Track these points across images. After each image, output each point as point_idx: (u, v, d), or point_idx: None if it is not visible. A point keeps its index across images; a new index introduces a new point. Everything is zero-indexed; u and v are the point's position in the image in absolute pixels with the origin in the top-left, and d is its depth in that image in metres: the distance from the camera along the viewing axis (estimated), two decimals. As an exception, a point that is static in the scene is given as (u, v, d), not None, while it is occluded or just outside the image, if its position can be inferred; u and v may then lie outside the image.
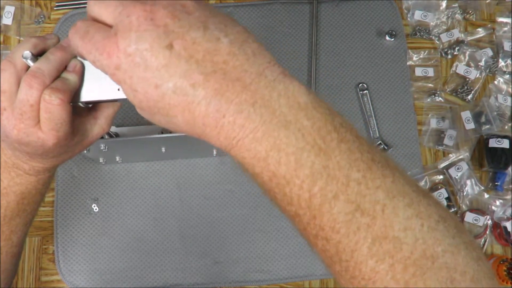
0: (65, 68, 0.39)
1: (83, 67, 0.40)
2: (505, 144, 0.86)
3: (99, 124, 0.44)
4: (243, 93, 0.30)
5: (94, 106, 0.44)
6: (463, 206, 0.88)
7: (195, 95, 0.30)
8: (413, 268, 0.28)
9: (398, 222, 0.29)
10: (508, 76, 0.93)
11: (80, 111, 0.43)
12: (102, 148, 0.72)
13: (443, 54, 0.94)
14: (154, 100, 0.31)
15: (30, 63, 0.38)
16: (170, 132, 0.71)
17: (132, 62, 0.30)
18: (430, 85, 0.93)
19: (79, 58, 0.40)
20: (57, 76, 0.39)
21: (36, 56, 0.39)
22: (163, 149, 0.78)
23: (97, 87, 0.40)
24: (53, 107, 0.37)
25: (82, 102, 0.41)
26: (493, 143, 0.87)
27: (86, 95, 0.40)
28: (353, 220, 0.29)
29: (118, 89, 0.39)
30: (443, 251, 0.28)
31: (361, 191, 0.29)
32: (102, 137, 0.65)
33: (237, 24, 0.32)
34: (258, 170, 0.31)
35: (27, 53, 0.38)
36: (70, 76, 0.39)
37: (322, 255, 0.32)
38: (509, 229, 0.85)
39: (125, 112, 0.89)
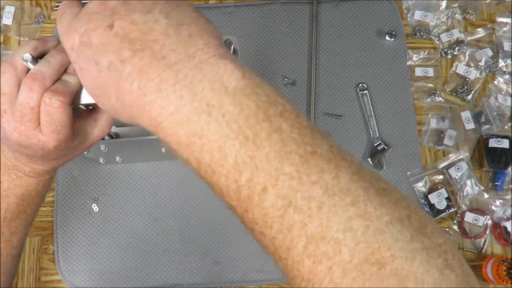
0: (65, 70, 0.39)
1: None
2: (505, 144, 0.86)
3: (99, 126, 0.44)
4: (165, 72, 0.29)
5: (94, 108, 0.44)
6: (463, 206, 0.88)
7: (123, 71, 0.30)
8: (353, 273, 0.25)
9: (337, 222, 0.26)
10: (508, 76, 0.93)
11: (80, 113, 0.43)
12: (102, 148, 0.72)
13: (443, 54, 0.94)
14: (94, 77, 0.32)
15: (30, 65, 0.38)
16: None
17: (81, 41, 0.32)
18: (430, 85, 0.93)
19: None
20: (58, 79, 0.39)
21: (36, 58, 0.39)
22: (163, 149, 0.78)
23: None
24: (54, 110, 0.37)
25: (82, 105, 0.41)
26: (493, 143, 0.87)
27: (87, 98, 0.40)
28: (285, 216, 0.27)
29: None
30: (392, 257, 0.25)
31: (293, 186, 0.26)
32: (102, 138, 0.65)
33: (190, 11, 0.31)
34: (185, 156, 0.30)
35: (27, 55, 0.38)
36: (71, 79, 0.39)
37: (265, 251, 0.30)
38: (509, 229, 0.85)
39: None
